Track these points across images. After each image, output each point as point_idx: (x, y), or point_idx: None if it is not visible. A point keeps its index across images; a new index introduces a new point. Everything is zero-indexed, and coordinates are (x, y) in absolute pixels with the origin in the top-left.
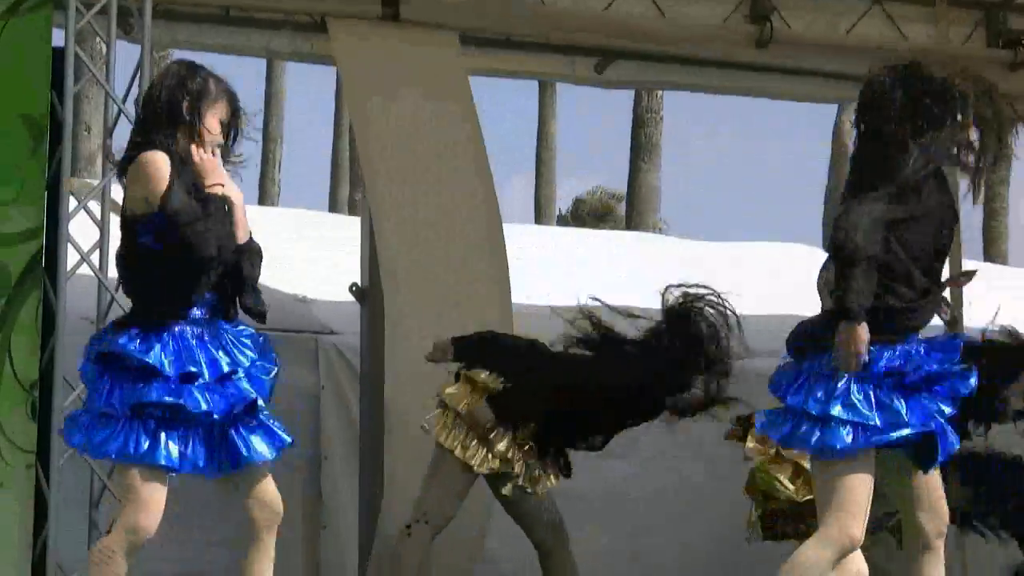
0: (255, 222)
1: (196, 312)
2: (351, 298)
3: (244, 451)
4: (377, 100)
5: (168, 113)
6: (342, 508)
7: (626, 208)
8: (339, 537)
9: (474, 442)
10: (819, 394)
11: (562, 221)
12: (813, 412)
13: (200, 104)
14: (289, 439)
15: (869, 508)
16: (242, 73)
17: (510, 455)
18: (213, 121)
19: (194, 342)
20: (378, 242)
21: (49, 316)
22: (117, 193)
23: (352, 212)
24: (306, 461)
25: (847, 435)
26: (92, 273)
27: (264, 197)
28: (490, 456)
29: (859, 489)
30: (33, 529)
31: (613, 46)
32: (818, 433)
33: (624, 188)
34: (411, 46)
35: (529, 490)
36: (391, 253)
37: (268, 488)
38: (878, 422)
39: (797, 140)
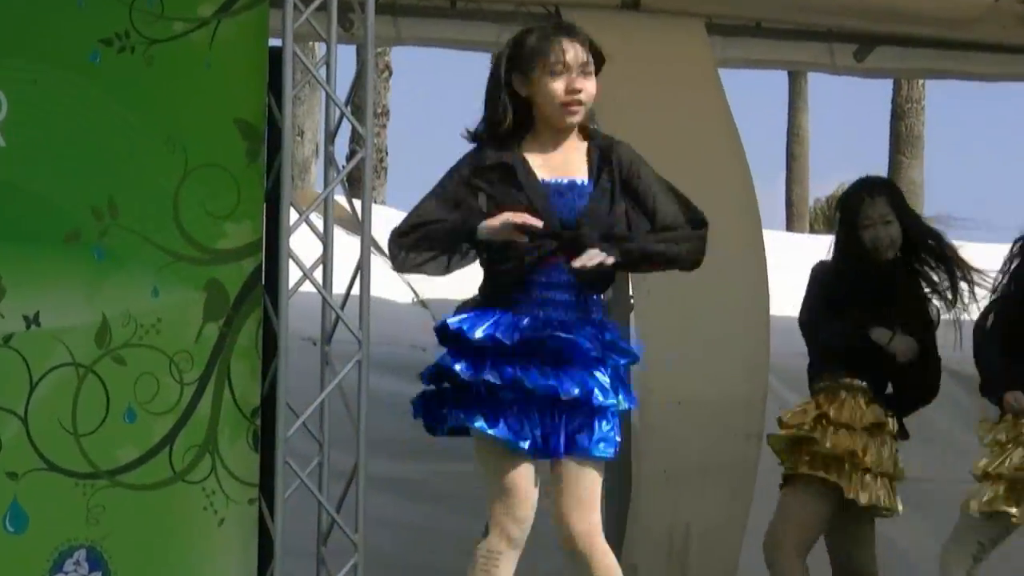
0: None
1: None
2: None
3: None
4: (623, 96)
5: None
6: None
7: None
8: None
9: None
10: None
11: (814, 218)
12: None
13: None
14: None
15: None
16: (464, 69)
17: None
18: None
19: None
20: None
21: (270, 338)
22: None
23: None
24: None
25: None
26: (315, 290)
27: None
28: None
29: None
30: (257, 569)
31: (874, 31)
32: None
33: None
34: (654, 36)
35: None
36: None
37: None
38: None
39: None
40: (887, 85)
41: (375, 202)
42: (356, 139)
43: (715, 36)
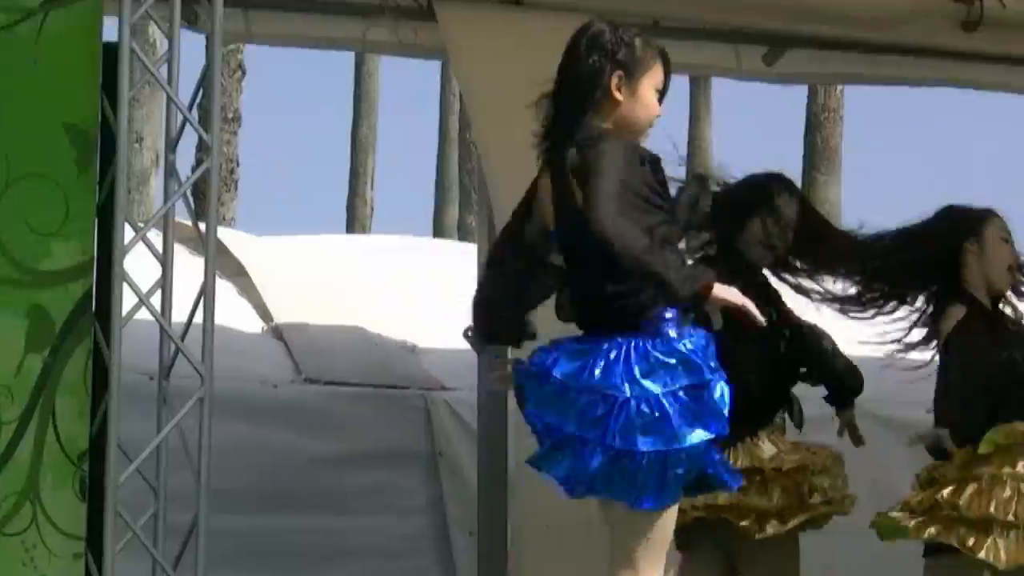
0: (343, 250)
1: None
2: (466, 346)
3: None
4: (502, 96)
5: None
6: None
7: None
8: None
9: None
10: None
11: None
12: None
13: None
14: None
15: None
16: (326, 70)
17: None
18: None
19: None
20: None
21: (101, 372)
22: (182, 219)
23: (463, 238)
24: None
25: None
26: (152, 319)
27: (353, 220)
28: None
29: None
30: None
31: (786, 31)
32: None
33: None
34: (537, 35)
35: None
36: None
37: None
38: None
39: (1009, 140)
40: (801, 92)
41: (223, 219)
42: (202, 147)
43: None
